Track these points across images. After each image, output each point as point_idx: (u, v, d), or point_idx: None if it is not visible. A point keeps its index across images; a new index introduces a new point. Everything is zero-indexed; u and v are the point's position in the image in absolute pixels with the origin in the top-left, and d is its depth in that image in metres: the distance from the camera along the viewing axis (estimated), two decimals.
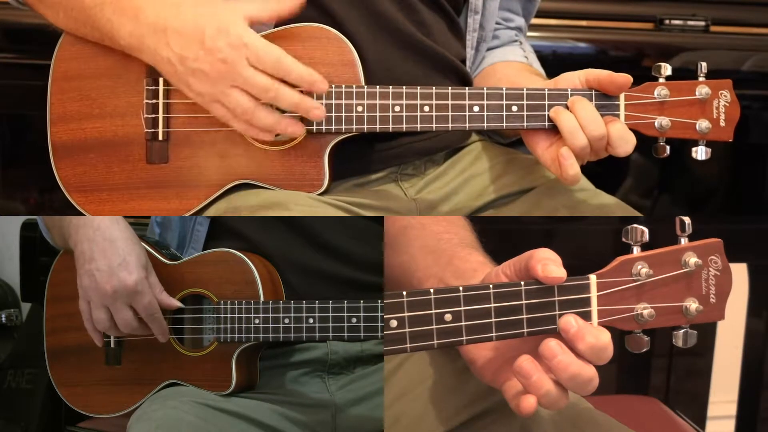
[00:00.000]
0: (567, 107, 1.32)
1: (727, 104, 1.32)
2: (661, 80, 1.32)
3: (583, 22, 2.04)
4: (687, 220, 1.04)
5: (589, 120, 1.29)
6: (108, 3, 1.31)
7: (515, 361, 1.03)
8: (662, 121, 1.31)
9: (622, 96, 1.32)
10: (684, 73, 1.34)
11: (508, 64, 1.59)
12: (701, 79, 1.32)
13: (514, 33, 1.65)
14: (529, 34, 1.71)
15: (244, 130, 1.30)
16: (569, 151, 1.29)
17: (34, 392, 2.14)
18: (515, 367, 1.02)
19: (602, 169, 1.43)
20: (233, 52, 1.24)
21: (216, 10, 1.27)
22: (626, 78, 1.31)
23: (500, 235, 1.47)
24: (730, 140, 1.33)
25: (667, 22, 2.02)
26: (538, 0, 1.66)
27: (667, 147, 1.33)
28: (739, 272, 2.17)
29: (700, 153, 1.34)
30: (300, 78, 1.26)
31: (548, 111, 1.32)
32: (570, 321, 1.02)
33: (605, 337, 1.01)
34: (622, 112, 1.32)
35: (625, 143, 1.29)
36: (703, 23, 2.03)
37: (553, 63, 1.68)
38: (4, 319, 2.45)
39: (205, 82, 1.27)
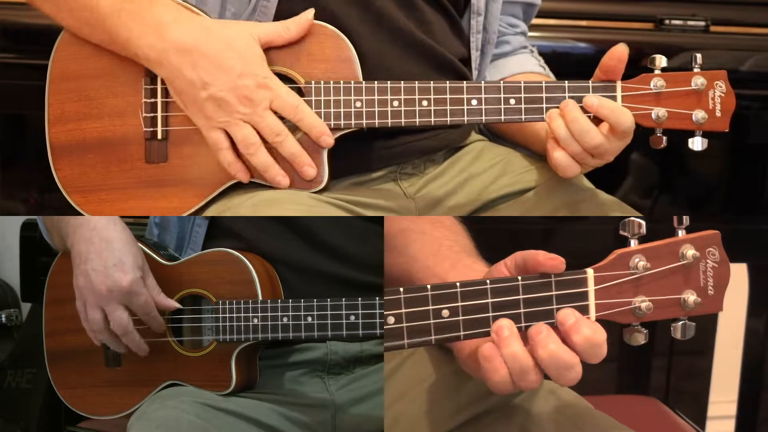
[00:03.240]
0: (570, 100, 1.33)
1: (723, 95, 1.33)
2: (657, 72, 1.33)
3: (583, 22, 2.04)
4: (685, 217, 1.05)
5: (581, 132, 1.30)
6: (127, 11, 1.32)
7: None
8: (659, 111, 1.32)
9: (618, 86, 1.33)
10: None
11: (526, 76, 1.60)
12: (697, 70, 1.33)
13: (523, 39, 1.66)
14: (529, 34, 1.71)
15: (230, 163, 1.34)
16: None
17: (34, 392, 2.14)
18: (481, 350, 1.03)
19: (602, 169, 1.42)
20: (260, 91, 1.30)
21: (244, 43, 1.31)
22: (623, 46, 1.33)
23: (500, 235, 1.47)
24: (726, 130, 1.33)
25: (667, 22, 2.02)
26: (537, 5, 1.66)
27: (664, 138, 1.34)
28: (739, 272, 2.17)
29: (697, 144, 1.35)
30: (311, 127, 1.32)
31: (545, 103, 1.33)
32: (567, 313, 1.02)
33: (602, 334, 1.02)
34: (618, 103, 1.32)
35: (625, 120, 1.30)
36: (703, 23, 2.03)
37: (553, 63, 1.68)
38: (4, 319, 2.45)
39: (221, 111, 1.31)
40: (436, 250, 1.24)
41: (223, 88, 1.29)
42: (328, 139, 1.33)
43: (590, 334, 1.01)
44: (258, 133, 1.32)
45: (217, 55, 1.30)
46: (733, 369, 2.32)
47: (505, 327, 1.02)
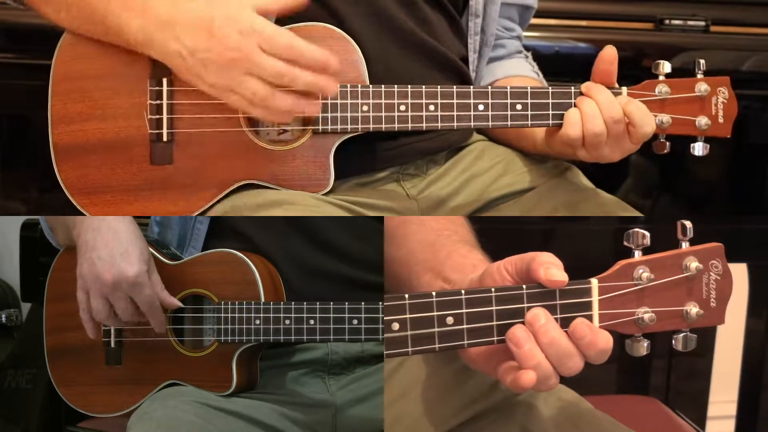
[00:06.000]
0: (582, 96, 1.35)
1: (725, 101, 1.34)
2: (661, 77, 1.34)
3: (583, 22, 2.04)
4: (688, 224, 1.05)
5: (606, 104, 1.31)
6: None
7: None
8: (663, 117, 1.33)
9: (624, 92, 1.34)
10: (684, 74, 1.35)
11: (521, 79, 1.60)
12: (700, 76, 1.34)
13: (518, 43, 1.66)
14: (530, 34, 1.71)
15: (263, 115, 1.29)
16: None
17: (34, 392, 2.14)
18: (508, 334, 1.02)
19: (602, 169, 1.43)
20: (244, 39, 1.23)
21: (224, 0, 1.25)
22: (610, 49, 1.34)
23: (500, 235, 1.47)
24: (728, 136, 1.35)
25: (667, 22, 2.03)
26: (533, 8, 1.66)
27: (667, 143, 1.35)
28: (739, 272, 2.17)
29: (698, 149, 1.36)
30: (313, 60, 1.25)
31: (552, 110, 1.33)
32: (583, 328, 1.02)
33: (611, 342, 1.02)
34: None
35: (647, 124, 1.31)
36: (703, 23, 2.03)
37: (555, 63, 1.68)
38: (4, 319, 2.44)
39: (217, 73, 1.25)
40: (433, 240, 1.24)
41: (207, 48, 1.24)
42: (334, 64, 1.26)
43: (605, 346, 1.02)
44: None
45: (193, 17, 1.25)
46: (733, 369, 2.32)
47: (542, 314, 1.02)
